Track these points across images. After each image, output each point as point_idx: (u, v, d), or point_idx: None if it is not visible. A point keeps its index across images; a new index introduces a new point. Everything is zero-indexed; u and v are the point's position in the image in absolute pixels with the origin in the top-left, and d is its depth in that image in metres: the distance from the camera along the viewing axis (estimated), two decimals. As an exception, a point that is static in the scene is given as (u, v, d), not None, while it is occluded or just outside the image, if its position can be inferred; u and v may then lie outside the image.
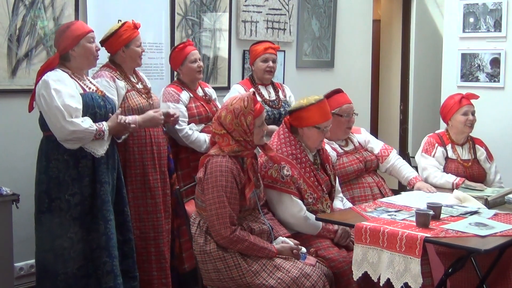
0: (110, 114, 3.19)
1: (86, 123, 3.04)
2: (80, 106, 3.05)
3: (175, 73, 4.09)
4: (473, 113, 3.98)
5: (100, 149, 3.14)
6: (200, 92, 4.03)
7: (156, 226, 3.61)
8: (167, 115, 3.66)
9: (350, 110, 3.78)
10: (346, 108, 3.76)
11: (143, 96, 3.61)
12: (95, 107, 3.14)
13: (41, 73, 3.11)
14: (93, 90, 3.20)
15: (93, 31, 3.23)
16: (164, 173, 3.67)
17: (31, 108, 3.18)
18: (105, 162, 3.17)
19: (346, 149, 3.79)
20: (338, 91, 3.83)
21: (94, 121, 3.11)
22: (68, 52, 3.14)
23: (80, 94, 3.10)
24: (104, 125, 3.12)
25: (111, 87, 3.45)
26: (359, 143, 3.89)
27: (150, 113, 3.53)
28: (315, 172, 3.32)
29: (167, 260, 3.67)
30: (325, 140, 3.76)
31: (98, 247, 3.14)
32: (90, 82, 3.29)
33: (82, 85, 3.17)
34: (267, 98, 4.27)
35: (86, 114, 3.09)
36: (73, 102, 3.02)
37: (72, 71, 3.17)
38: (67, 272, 3.12)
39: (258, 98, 3.93)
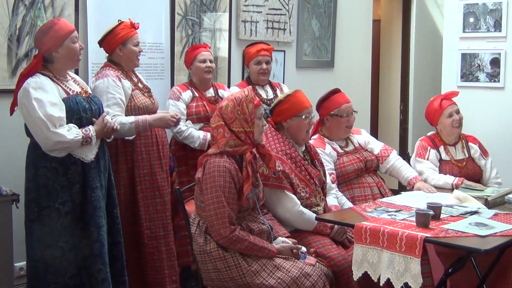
0: (94, 119, 3.07)
1: (72, 133, 2.93)
2: (63, 114, 2.94)
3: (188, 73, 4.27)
4: (457, 112, 3.97)
5: (89, 154, 3.04)
6: (209, 93, 4.09)
7: (165, 225, 3.63)
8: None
9: (349, 109, 3.79)
10: (345, 108, 3.76)
11: (146, 95, 3.62)
12: (80, 111, 3.02)
13: (24, 76, 2.98)
14: (76, 92, 3.08)
15: (75, 30, 3.13)
16: (166, 172, 3.69)
17: (12, 111, 3.08)
18: (95, 166, 3.07)
19: (346, 149, 3.80)
20: (335, 92, 3.83)
21: (81, 125, 3.00)
22: (51, 53, 3.02)
23: (64, 98, 2.99)
24: (91, 130, 3.01)
25: (118, 86, 3.45)
26: (359, 143, 3.90)
27: (160, 113, 3.57)
28: (306, 167, 3.34)
29: (176, 257, 3.69)
30: (326, 140, 3.78)
31: (91, 254, 3.04)
32: (75, 81, 3.16)
33: (65, 88, 3.04)
34: (265, 97, 4.29)
35: (72, 119, 2.98)
36: (55, 111, 2.90)
37: (54, 73, 3.04)
38: (59, 281, 3.01)
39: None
